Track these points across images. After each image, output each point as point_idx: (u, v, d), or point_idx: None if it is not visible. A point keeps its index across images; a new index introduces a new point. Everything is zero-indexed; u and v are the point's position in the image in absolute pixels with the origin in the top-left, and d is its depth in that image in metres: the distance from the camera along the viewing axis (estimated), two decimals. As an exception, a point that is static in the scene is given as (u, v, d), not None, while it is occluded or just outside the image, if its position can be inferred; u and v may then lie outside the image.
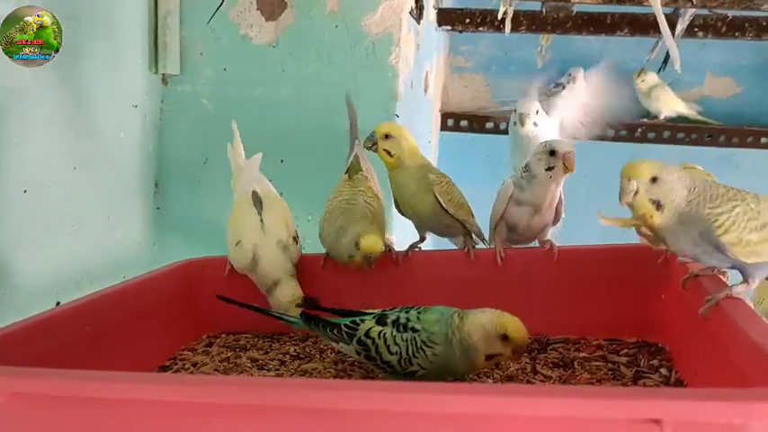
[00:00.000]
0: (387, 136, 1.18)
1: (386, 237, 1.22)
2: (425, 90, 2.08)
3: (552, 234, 1.24)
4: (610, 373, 0.99)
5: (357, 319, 0.98)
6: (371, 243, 1.12)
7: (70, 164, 1.36)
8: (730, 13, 1.87)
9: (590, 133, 1.60)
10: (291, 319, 1.08)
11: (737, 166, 2.37)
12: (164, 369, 1.10)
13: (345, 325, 0.98)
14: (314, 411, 0.61)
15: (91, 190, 1.43)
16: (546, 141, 1.17)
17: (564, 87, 1.78)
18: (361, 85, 1.59)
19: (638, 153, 2.34)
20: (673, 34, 1.75)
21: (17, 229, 1.23)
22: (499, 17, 1.71)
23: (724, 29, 1.90)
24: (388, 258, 1.23)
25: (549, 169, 1.13)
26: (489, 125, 2.54)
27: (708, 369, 0.87)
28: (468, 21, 2.05)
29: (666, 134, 2.46)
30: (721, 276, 0.96)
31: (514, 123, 1.60)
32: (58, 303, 1.28)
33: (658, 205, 0.87)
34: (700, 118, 2.45)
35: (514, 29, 1.92)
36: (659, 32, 1.95)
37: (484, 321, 0.87)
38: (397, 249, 1.25)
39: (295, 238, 1.23)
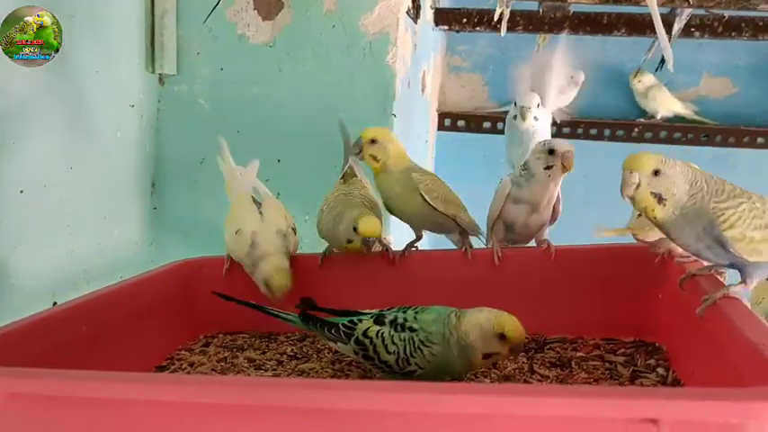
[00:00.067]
0: (373, 141, 1.17)
1: (383, 237, 1.22)
2: (422, 90, 2.09)
3: (548, 233, 1.24)
4: (607, 372, 0.99)
5: (355, 319, 0.98)
6: (370, 225, 1.12)
7: (67, 164, 1.36)
8: (727, 13, 1.87)
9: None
10: (289, 317, 1.07)
11: (734, 166, 2.37)
12: (161, 369, 1.10)
13: (343, 324, 0.98)
14: (311, 411, 0.61)
15: (88, 190, 1.43)
16: (545, 140, 1.18)
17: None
18: (358, 85, 1.59)
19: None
20: (669, 34, 1.76)
21: (14, 229, 1.23)
22: (495, 18, 1.71)
23: (720, 29, 1.91)
24: (386, 258, 1.23)
25: (548, 168, 1.13)
26: (486, 125, 2.54)
27: (705, 369, 0.87)
28: (465, 20, 2.05)
29: (663, 134, 2.46)
30: (718, 276, 0.96)
31: (514, 117, 1.60)
32: (54, 303, 1.28)
33: (660, 199, 0.87)
34: (696, 118, 2.46)
35: (512, 28, 1.92)
36: (656, 32, 1.97)
37: (481, 321, 0.87)
38: (394, 249, 1.25)
39: (294, 229, 1.23)
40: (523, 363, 1.03)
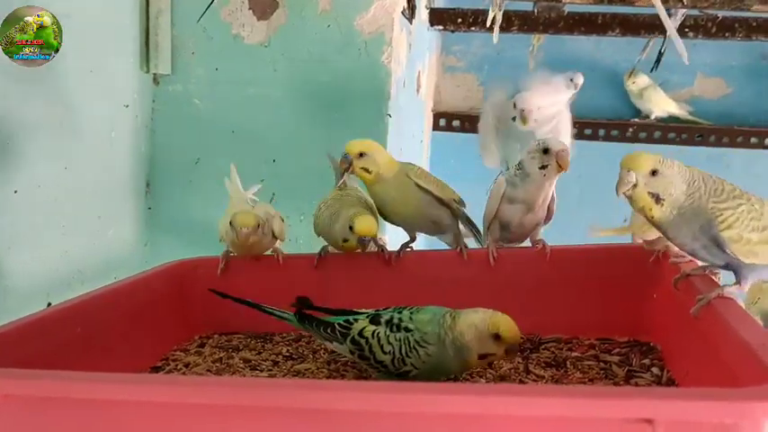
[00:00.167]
0: (361, 154, 1.16)
1: (378, 237, 1.22)
2: (418, 90, 2.09)
3: (543, 233, 1.24)
4: (602, 372, 0.99)
5: (351, 319, 0.98)
6: (366, 224, 1.12)
7: (61, 164, 1.36)
8: (720, 14, 1.88)
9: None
10: (285, 315, 1.07)
11: (728, 166, 2.38)
12: (156, 370, 1.09)
13: (339, 324, 0.98)
14: (307, 412, 0.61)
15: (82, 190, 1.42)
16: (540, 140, 1.18)
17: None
18: (353, 85, 1.59)
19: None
20: (663, 35, 1.76)
21: (8, 229, 1.22)
22: (488, 24, 1.71)
23: (714, 29, 1.92)
24: (381, 258, 1.23)
25: (543, 168, 1.13)
26: (482, 125, 2.54)
27: (699, 368, 0.87)
28: (460, 20, 2.06)
29: (657, 134, 2.47)
30: (713, 276, 0.97)
31: (513, 119, 1.60)
32: (49, 304, 1.28)
33: (657, 199, 0.87)
34: (690, 118, 2.47)
35: (507, 29, 1.93)
36: (650, 33, 1.98)
37: (476, 321, 0.87)
38: (389, 249, 1.25)
39: (281, 226, 1.26)
40: (519, 363, 1.03)
